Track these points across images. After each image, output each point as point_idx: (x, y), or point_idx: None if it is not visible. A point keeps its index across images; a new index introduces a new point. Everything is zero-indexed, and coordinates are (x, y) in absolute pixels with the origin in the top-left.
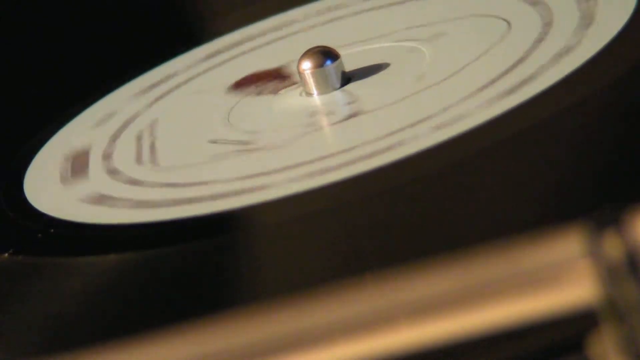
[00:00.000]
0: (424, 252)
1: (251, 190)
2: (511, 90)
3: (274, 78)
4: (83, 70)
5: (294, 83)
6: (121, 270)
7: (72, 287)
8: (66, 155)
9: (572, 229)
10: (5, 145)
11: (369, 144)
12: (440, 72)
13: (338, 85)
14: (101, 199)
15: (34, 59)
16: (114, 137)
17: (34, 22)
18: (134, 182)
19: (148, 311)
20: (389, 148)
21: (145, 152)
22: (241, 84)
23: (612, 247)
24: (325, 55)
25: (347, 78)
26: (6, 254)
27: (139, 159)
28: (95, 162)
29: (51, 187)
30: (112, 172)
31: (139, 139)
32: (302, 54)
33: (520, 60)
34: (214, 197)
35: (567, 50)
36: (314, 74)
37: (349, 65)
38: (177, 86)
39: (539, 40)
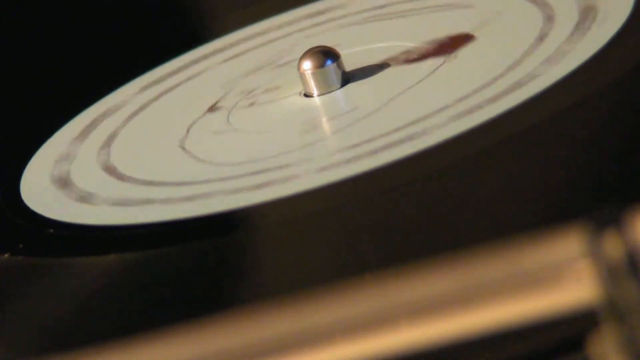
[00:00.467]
0: (424, 252)
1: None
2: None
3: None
4: (83, 71)
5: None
6: (121, 270)
7: (72, 287)
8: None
9: (572, 229)
10: (5, 145)
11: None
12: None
13: (338, 85)
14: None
15: (33, 59)
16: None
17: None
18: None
19: (148, 311)
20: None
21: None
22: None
23: (612, 247)
24: (325, 55)
25: (347, 78)
26: (6, 254)
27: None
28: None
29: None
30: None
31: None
32: (302, 54)
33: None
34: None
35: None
36: (314, 74)
37: (350, 65)
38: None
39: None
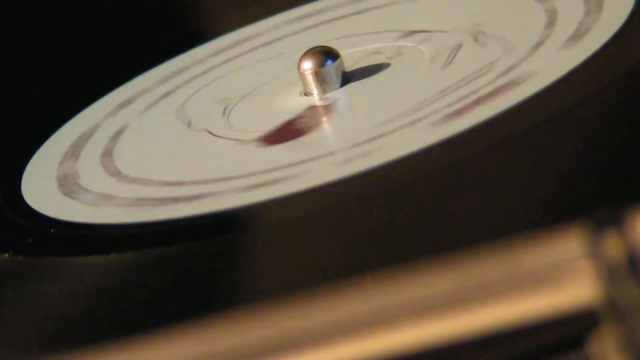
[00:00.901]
0: (424, 252)
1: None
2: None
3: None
4: (83, 72)
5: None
6: (121, 270)
7: (72, 287)
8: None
9: (572, 229)
10: (5, 144)
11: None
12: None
13: (338, 85)
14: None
15: (33, 59)
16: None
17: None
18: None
19: (148, 311)
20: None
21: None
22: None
23: (612, 247)
24: (325, 55)
25: (347, 78)
26: (6, 254)
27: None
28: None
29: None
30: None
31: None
32: (302, 53)
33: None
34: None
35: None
36: (314, 74)
37: (350, 65)
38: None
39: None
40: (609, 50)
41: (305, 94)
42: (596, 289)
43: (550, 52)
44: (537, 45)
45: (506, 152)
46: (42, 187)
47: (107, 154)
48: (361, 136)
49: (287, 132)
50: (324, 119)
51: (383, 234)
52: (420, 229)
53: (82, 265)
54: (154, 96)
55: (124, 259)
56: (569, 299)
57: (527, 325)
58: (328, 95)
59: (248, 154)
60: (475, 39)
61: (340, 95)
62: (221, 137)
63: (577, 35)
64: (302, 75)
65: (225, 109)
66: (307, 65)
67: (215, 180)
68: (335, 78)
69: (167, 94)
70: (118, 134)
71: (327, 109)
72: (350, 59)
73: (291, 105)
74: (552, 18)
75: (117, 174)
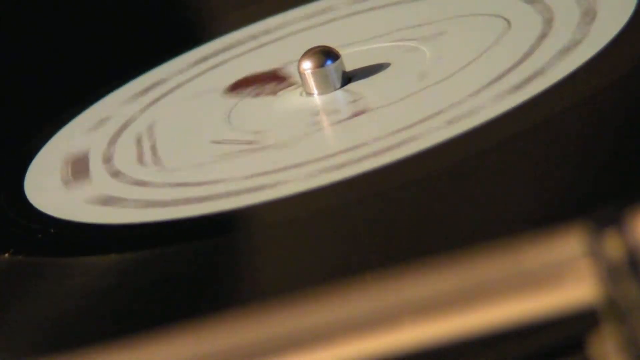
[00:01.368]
0: (424, 251)
1: (254, 189)
2: (511, 91)
3: (271, 80)
4: (82, 71)
5: (293, 84)
6: (121, 270)
7: (72, 287)
8: (65, 158)
9: (572, 229)
10: (4, 146)
11: (369, 143)
12: (441, 71)
13: (338, 85)
14: (105, 200)
15: (33, 60)
16: (112, 141)
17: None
18: (138, 183)
19: (148, 311)
20: (389, 147)
21: (147, 154)
22: (238, 86)
23: (612, 247)
24: (325, 55)
25: (347, 78)
26: (6, 254)
27: (140, 161)
28: (96, 165)
29: (53, 188)
30: (115, 174)
31: (138, 141)
32: (302, 53)
33: (520, 60)
34: (214, 197)
35: (565, 50)
36: (314, 74)
37: (350, 65)
38: (172, 89)
39: (540, 39)
40: (609, 50)
41: (306, 94)
42: (596, 289)
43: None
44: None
45: (506, 152)
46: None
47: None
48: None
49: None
50: (324, 119)
51: (383, 234)
52: (420, 229)
53: (82, 265)
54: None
55: (124, 259)
56: (569, 299)
57: (527, 325)
58: (328, 95)
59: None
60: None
61: (340, 95)
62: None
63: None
64: (302, 75)
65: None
66: (307, 65)
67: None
68: (335, 78)
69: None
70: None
71: (327, 109)
72: (350, 59)
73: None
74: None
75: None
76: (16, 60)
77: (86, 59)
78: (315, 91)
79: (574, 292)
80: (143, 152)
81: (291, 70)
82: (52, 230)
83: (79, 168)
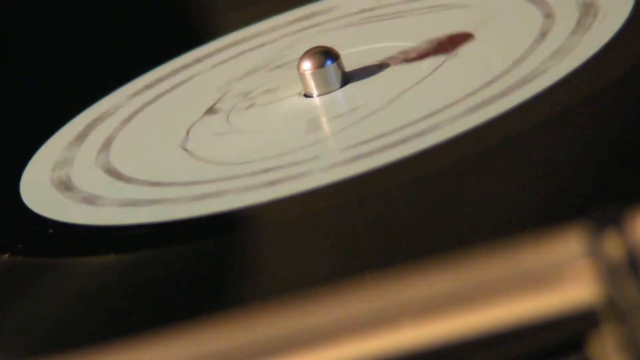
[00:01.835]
0: (424, 252)
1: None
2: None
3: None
4: (82, 71)
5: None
6: (121, 270)
7: (72, 287)
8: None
9: (572, 229)
10: (4, 145)
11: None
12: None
13: (338, 85)
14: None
15: (31, 61)
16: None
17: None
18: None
19: (148, 311)
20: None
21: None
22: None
23: (612, 247)
24: (325, 55)
25: (347, 78)
26: (6, 255)
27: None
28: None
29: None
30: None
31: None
32: (302, 54)
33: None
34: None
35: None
36: (314, 74)
37: (349, 66)
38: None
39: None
40: (609, 50)
41: (305, 94)
42: (596, 289)
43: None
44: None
45: (506, 152)
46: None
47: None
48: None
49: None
50: (324, 119)
51: (383, 234)
52: (420, 229)
53: (82, 265)
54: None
55: (124, 259)
56: (569, 299)
57: (527, 325)
58: (328, 95)
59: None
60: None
61: (340, 95)
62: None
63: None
64: (302, 75)
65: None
66: (307, 65)
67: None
68: (335, 78)
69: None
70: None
71: (327, 109)
72: (350, 59)
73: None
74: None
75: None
76: (15, 62)
77: (84, 61)
78: (315, 91)
79: (574, 292)
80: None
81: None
82: (50, 230)
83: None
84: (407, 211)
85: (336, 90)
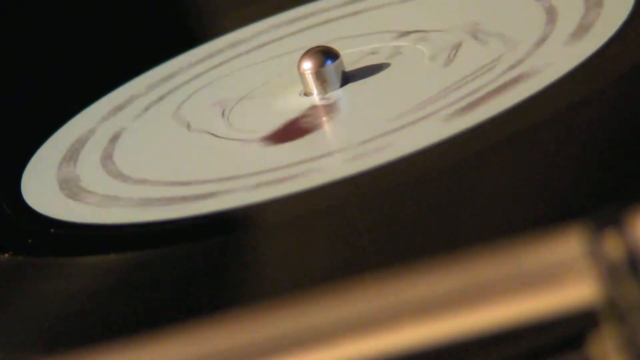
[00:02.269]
0: (424, 252)
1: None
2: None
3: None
4: (82, 71)
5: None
6: (121, 270)
7: (72, 287)
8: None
9: (572, 229)
10: (5, 144)
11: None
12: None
13: (338, 85)
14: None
15: (31, 61)
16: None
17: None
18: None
19: (148, 311)
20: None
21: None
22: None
23: (612, 247)
24: (325, 55)
25: (347, 78)
26: (6, 254)
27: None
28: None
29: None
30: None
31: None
32: (302, 53)
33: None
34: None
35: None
36: (314, 74)
37: (349, 65)
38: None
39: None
40: (609, 50)
41: (305, 94)
42: (596, 289)
43: (550, 51)
44: (538, 45)
45: (506, 152)
46: (42, 186)
47: (109, 154)
48: (362, 136)
49: (291, 131)
50: (325, 119)
51: (383, 234)
52: (421, 229)
53: (82, 265)
54: (152, 97)
55: (124, 259)
56: (569, 299)
57: (527, 325)
58: (328, 95)
59: (249, 154)
60: (475, 37)
61: (341, 95)
62: (222, 138)
63: (578, 34)
64: (302, 75)
65: (225, 110)
66: (307, 65)
67: (216, 181)
68: (335, 78)
69: (166, 95)
70: (117, 136)
71: (328, 108)
72: (350, 59)
73: (291, 105)
74: (552, 16)
75: (117, 175)
76: (15, 62)
77: (85, 60)
78: (315, 91)
79: (574, 292)
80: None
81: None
82: (52, 230)
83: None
84: (407, 211)
85: (336, 89)
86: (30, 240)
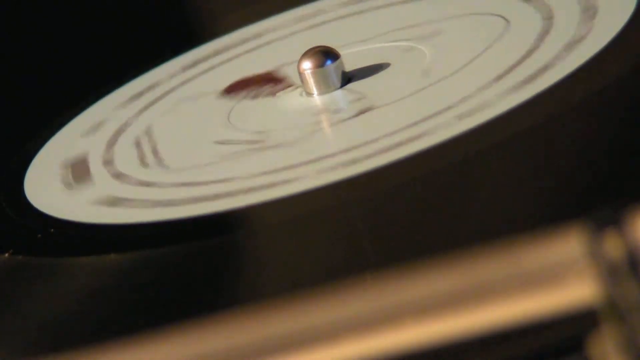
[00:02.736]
0: (424, 252)
1: (252, 189)
2: (510, 91)
3: (267, 82)
4: (81, 72)
5: (290, 85)
6: (121, 270)
7: (72, 287)
8: (64, 161)
9: (572, 229)
10: (6, 144)
11: (369, 144)
12: (441, 71)
13: (338, 85)
14: (109, 201)
15: (31, 61)
16: (110, 144)
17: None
18: (142, 184)
19: (148, 311)
20: (389, 147)
21: (149, 156)
22: (233, 89)
23: (612, 247)
24: (325, 55)
25: (347, 78)
26: (6, 254)
27: (143, 163)
28: (96, 168)
29: (54, 190)
30: (117, 176)
31: (138, 144)
32: (302, 54)
33: (520, 61)
34: (215, 197)
35: (566, 51)
36: (314, 74)
37: (349, 65)
38: (167, 92)
39: (539, 37)
40: (609, 50)
41: (306, 94)
42: (596, 289)
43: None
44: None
45: (506, 152)
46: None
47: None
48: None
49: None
50: (324, 119)
51: (383, 234)
52: (420, 229)
53: (82, 265)
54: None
55: (124, 259)
56: (569, 299)
57: (527, 325)
58: (328, 95)
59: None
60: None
61: (340, 95)
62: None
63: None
64: (302, 75)
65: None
66: (307, 65)
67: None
68: (335, 78)
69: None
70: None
71: (327, 109)
72: (350, 59)
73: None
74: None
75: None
76: (15, 61)
77: (85, 60)
78: (315, 91)
79: (574, 292)
80: (144, 154)
81: (288, 71)
82: (52, 230)
83: (79, 171)
84: (407, 211)
85: (336, 89)
86: (39, 235)
